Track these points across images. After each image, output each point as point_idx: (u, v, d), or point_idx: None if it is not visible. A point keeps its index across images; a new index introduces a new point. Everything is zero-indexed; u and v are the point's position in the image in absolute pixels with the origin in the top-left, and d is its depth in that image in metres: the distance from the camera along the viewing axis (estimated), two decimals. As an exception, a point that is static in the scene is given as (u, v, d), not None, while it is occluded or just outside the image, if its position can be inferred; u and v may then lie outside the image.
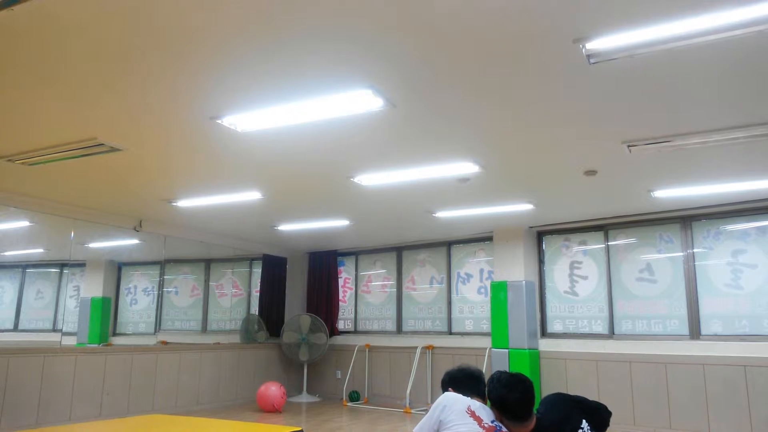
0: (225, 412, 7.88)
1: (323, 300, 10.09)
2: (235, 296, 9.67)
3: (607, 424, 2.59)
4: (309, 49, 3.14)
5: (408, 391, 8.56)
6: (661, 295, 7.29)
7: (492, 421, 2.64)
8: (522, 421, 2.53)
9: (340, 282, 10.21)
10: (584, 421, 2.51)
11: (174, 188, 6.25)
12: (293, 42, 3.06)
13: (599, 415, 2.60)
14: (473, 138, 4.58)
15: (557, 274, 8.13)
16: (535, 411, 2.61)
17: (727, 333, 6.79)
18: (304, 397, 9.52)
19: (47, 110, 4.06)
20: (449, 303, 8.99)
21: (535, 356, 7.73)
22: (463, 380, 2.94)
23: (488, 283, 8.48)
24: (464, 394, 2.82)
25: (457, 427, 2.59)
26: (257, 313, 9.85)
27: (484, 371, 3.03)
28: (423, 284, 9.34)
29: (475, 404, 2.72)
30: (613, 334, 7.53)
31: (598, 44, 3.00)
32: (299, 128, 4.28)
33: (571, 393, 2.91)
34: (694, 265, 7.11)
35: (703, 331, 6.94)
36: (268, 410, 8.11)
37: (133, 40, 3.07)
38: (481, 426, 2.60)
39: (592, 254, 7.89)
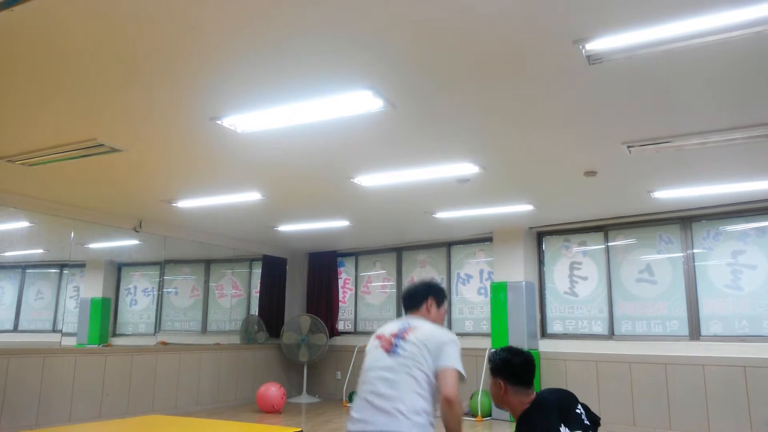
0: (225, 413, 7.88)
1: (323, 301, 10.09)
2: (235, 297, 9.67)
3: (598, 425, 2.64)
4: (309, 50, 3.14)
5: (408, 392, 8.55)
6: (660, 295, 7.29)
7: (399, 327, 2.66)
8: (525, 388, 2.59)
9: (340, 283, 10.22)
10: (580, 406, 2.58)
11: (174, 189, 6.25)
12: (293, 43, 3.07)
13: (592, 411, 2.64)
14: (473, 138, 4.58)
15: (557, 275, 8.13)
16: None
17: (727, 334, 6.79)
18: (304, 398, 9.52)
19: (47, 111, 4.06)
20: (449, 304, 8.99)
21: (534, 357, 7.72)
22: (403, 300, 2.94)
23: (488, 284, 8.49)
24: (405, 312, 2.88)
25: (367, 357, 2.67)
26: (257, 314, 9.85)
27: (484, 372, 3.00)
28: (423, 285, 9.33)
29: (382, 328, 2.75)
30: (613, 334, 7.53)
31: (598, 45, 3.01)
32: (299, 129, 4.28)
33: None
34: (694, 265, 7.11)
35: (703, 332, 6.94)
36: (268, 411, 8.11)
37: (133, 41, 3.08)
38: (381, 340, 2.65)
39: (592, 255, 7.89)
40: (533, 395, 2.59)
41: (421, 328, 2.65)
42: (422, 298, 2.85)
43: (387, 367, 2.55)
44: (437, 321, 2.82)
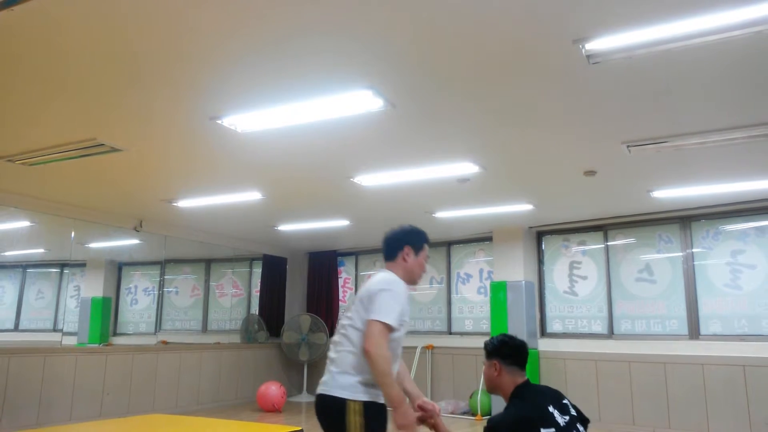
0: (225, 412, 7.89)
1: (323, 300, 10.09)
2: (236, 296, 9.68)
3: (588, 421, 2.68)
4: (309, 50, 3.15)
5: (408, 391, 8.56)
6: (660, 295, 7.30)
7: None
8: (519, 369, 2.66)
9: (340, 282, 10.22)
10: (568, 401, 2.65)
11: (174, 188, 6.25)
12: (293, 43, 3.07)
13: (581, 411, 2.68)
14: (473, 138, 4.58)
15: (557, 274, 8.13)
16: None
17: (727, 333, 6.79)
18: (304, 397, 9.53)
19: (47, 110, 4.06)
20: (449, 303, 9.00)
21: (534, 356, 7.74)
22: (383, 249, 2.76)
23: (488, 283, 8.49)
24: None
25: None
26: (257, 313, 9.86)
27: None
28: (422, 284, 9.34)
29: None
30: (613, 334, 7.54)
31: (597, 44, 3.01)
32: (299, 129, 4.29)
33: (571, 393, 2.98)
34: (693, 265, 7.12)
35: (703, 331, 6.95)
36: (268, 410, 8.12)
37: (133, 41, 3.08)
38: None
39: (592, 254, 7.89)
40: (523, 379, 2.66)
41: (369, 281, 2.56)
42: (398, 247, 2.66)
43: (337, 330, 2.59)
44: (414, 270, 2.66)
